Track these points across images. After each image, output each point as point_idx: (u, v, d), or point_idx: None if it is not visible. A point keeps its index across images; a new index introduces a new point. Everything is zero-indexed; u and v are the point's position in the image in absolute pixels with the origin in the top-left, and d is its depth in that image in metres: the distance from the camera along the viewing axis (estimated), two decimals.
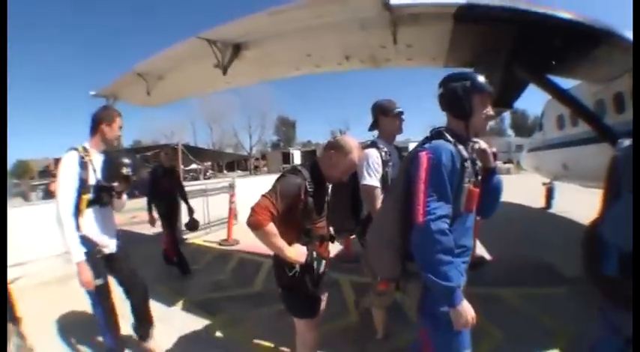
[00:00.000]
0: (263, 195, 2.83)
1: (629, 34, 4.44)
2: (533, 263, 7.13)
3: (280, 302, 3.26)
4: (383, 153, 3.79)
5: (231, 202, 11.06)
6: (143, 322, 4.24)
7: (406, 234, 2.30)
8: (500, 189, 2.74)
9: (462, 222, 2.40)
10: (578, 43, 4.60)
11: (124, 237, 4.14)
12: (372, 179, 3.67)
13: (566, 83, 6.20)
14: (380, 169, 3.71)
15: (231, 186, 11.85)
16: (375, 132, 4.12)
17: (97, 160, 3.73)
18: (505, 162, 38.51)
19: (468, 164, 2.35)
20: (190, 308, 5.67)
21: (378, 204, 3.55)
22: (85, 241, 3.55)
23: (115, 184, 3.77)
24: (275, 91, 67.54)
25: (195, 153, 31.99)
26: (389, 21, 4.50)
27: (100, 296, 3.72)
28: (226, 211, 11.01)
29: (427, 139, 2.47)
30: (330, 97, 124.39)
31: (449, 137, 2.38)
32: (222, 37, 5.53)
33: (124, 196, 3.97)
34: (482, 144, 2.57)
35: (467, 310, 2.16)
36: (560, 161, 9.05)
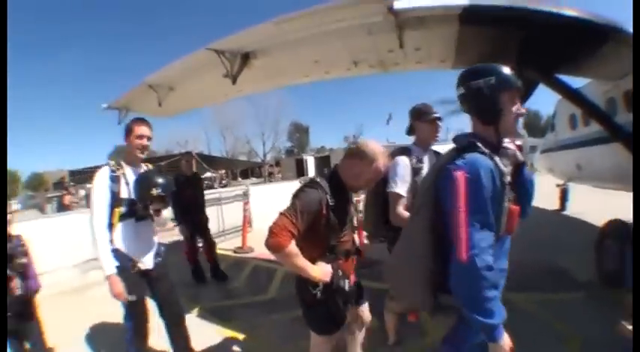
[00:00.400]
0: (281, 214, 2.62)
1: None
2: (547, 267, 7.03)
3: (294, 309, 3.18)
4: (414, 161, 3.71)
5: (245, 210, 11.10)
6: (179, 346, 4.18)
7: (439, 263, 2.08)
8: (533, 183, 2.45)
9: (500, 245, 2.16)
10: (586, 40, 4.57)
11: None
12: (397, 187, 3.60)
13: (576, 82, 6.15)
14: (408, 178, 3.64)
15: (245, 194, 11.91)
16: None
17: (130, 174, 3.73)
18: None
19: (506, 179, 2.07)
20: (205, 315, 5.72)
21: (401, 212, 3.53)
22: (118, 255, 3.55)
23: (148, 202, 3.67)
24: (287, 97, 67.40)
25: (209, 161, 32.10)
26: (394, 25, 4.50)
27: (132, 311, 3.69)
28: (241, 219, 11.04)
29: (457, 151, 2.10)
30: (343, 101, 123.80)
31: (484, 148, 2.04)
32: (230, 47, 5.55)
33: (163, 213, 3.88)
34: (508, 145, 2.28)
35: (507, 343, 2.02)
36: (574, 162, 8.95)
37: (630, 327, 2.74)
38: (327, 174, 2.97)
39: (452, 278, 1.98)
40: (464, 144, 2.10)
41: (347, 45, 5.54)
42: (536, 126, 71.49)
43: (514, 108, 2.11)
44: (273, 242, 2.52)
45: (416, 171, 3.67)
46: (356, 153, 2.87)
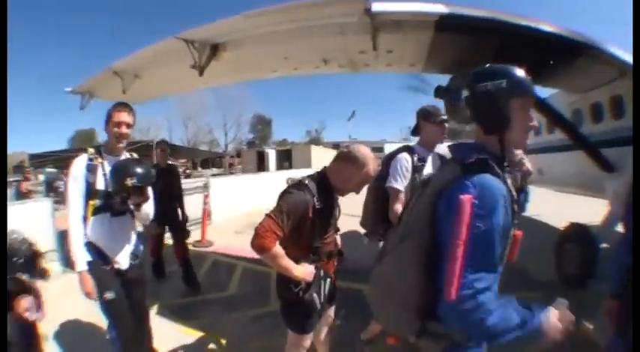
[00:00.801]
0: (267, 215, 2.64)
1: (609, 47, 4.56)
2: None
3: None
4: (415, 159, 3.76)
5: (205, 203, 10.96)
6: (142, 346, 3.86)
7: (429, 289, 1.73)
8: (525, 209, 2.14)
9: (499, 273, 1.82)
10: (558, 54, 4.67)
11: None
12: (397, 183, 3.67)
13: (542, 92, 6.30)
14: (408, 174, 3.69)
15: (206, 186, 11.78)
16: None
17: (108, 164, 3.45)
18: None
19: (515, 206, 1.74)
20: (165, 312, 5.57)
21: (398, 208, 3.55)
22: (91, 249, 3.32)
23: (125, 195, 3.33)
24: (251, 89, 67.14)
25: (170, 150, 31.60)
26: (369, 27, 4.49)
27: (113, 313, 3.41)
28: (199, 211, 10.88)
29: (462, 168, 1.71)
30: (307, 96, 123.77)
31: (496, 168, 1.69)
32: (200, 38, 5.47)
33: (144, 207, 3.53)
34: (525, 162, 2.07)
35: (553, 323, 1.73)
36: (536, 166, 9.14)
37: (591, 327, 2.77)
38: (317, 176, 2.95)
39: (442, 316, 1.68)
40: (473, 162, 1.69)
41: (318, 43, 5.52)
42: None
43: (525, 119, 1.81)
44: (258, 243, 2.56)
45: (417, 169, 3.70)
46: (347, 158, 2.89)
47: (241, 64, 6.53)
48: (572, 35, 4.54)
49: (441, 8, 4.28)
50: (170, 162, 7.79)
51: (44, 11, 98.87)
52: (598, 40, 4.68)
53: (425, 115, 3.89)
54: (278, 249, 2.63)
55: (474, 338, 1.73)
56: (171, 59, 6.00)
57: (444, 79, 5.39)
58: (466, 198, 1.57)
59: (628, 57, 4.72)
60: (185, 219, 7.37)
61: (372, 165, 2.89)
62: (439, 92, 6.46)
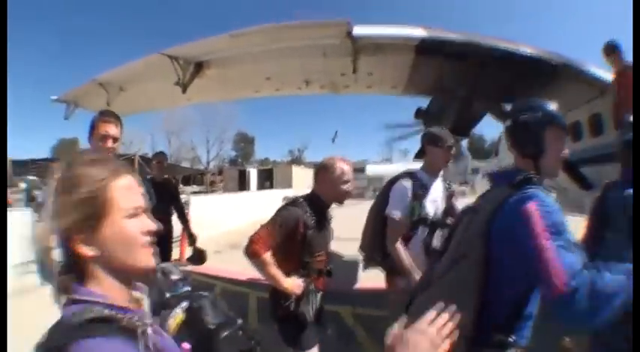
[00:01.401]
0: (262, 226, 2.83)
1: (588, 67, 4.68)
2: None
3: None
4: (416, 185, 3.52)
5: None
6: None
7: (476, 317, 1.73)
8: None
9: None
10: (537, 75, 4.77)
11: None
12: (395, 211, 3.47)
13: None
14: (405, 200, 3.49)
15: (186, 204, 11.69)
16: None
17: None
18: (461, 184, 38.65)
19: None
20: None
21: (394, 235, 3.45)
22: None
23: None
24: (235, 107, 66.98)
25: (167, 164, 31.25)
26: (351, 49, 4.57)
27: None
28: (178, 229, 10.72)
29: (513, 186, 1.82)
30: (291, 116, 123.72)
31: (542, 183, 1.86)
32: (185, 55, 5.50)
33: None
34: None
35: None
36: None
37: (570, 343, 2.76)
38: (308, 196, 3.09)
39: (562, 317, 1.58)
40: (520, 178, 1.82)
41: (300, 64, 5.62)
42: (480, 149, 73.12)
43: (558, 149, 1.93)
44: (251, 250, 2.71)
45: (417, 197, 3.50)
46: (320, 170, 3.07)
47: (225, 83, 6.57)
48: (550, 56, 4.64)
49: (421, 32, 4.38)
50: (166, 176, 7.18)
51: (35, 15, 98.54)
52: (577, 60, 4.79)
53: (432, 139, 3.65)
54: (268, 257, 2.74)
55: (605, 314, 1.51)
56: (156, 75, 6.01)
57: None
58: (530, 206, 1.66)
59: (607, 75, 4.78)
60: (193, 238, 6.50)
61: (341, 162, 3.03)
62: (419, 113, 6.49)
